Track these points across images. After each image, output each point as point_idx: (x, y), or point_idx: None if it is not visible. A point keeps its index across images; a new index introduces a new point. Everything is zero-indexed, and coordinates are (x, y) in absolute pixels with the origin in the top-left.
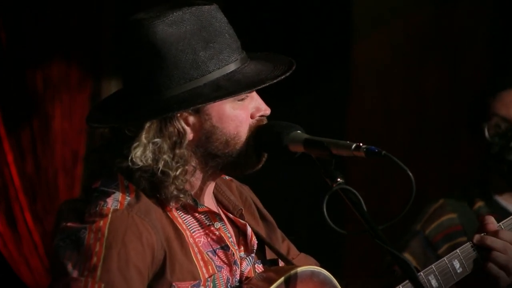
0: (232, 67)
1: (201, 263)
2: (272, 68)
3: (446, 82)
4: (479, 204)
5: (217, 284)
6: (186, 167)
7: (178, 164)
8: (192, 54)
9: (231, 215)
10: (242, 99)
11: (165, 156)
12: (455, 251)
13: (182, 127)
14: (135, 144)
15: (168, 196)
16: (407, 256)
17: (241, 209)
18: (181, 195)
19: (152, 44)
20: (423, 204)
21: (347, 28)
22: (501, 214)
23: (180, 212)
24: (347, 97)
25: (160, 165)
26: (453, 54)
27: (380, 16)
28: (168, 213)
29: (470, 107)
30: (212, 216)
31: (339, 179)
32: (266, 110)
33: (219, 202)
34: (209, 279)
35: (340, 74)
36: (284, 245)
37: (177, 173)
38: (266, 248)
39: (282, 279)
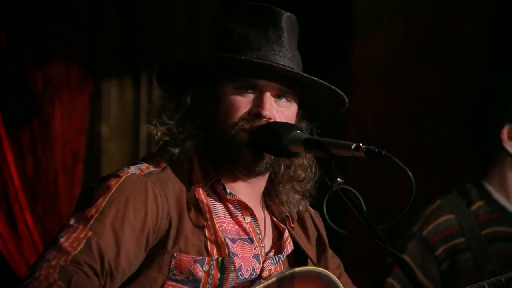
0: (249, 54)
1: (214, 244)
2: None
3: (446, 82)
4: (479, 203)
5: (225, 268)
6: (175, 129)
7: (168, 122)
8: (227, 39)
9: (275, 219)
10: (243, 90)
11: (161, 113)
12: (482, 282)
13: (184, 99)
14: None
15: (161, 150)
16: (404, 257)
17: (286, 215)
18: (175, 150)
19: (217, 28)
20: (423, 204)
21: (347, 28)
22: (501, 213)
23: (211, 195)
24: (347, 97)
25: (157, 119)
26: (453, 54)
27: (380, 16)
28: (196, 193)
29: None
30: (244, 209)
31: (339, 179)
32: (265, 111)
33: (268, 207)
34: (214, 259)
35: (340, 74)
36: (336, 272)
37: (164, 127)
38: (309, 261)
39: (286, 273)
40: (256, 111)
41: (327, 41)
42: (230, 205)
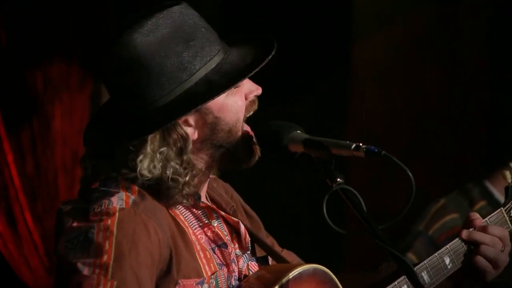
0: (216, 59)
1: (204, 260)
2: (254, 50)
3: (446, 82)
4: (481, 203)
5: (219, 282)
6: (194, 171)
7: (187, 170)
8: (176, 57)
9: (223, 213)
10: (237, 86)
11: (173, 163)
12: (445, 246)
13: (185, 132)
14: (140, 157)
15: (172, 202)
16: (411, 256)
17: (233, 205)
18: (184, 201)
19: (135, 58)
20: (423, 204)
21: (347, 28)
22: None
23: (181, 208)
24: (347, 97)
25: (169, 173)
26: (453, 54)
27: (381, 16)
28: (169, 210)
29: None
30: (210, 213)
31: (339, 179)
32: (258, 90)
33: (212, 199)
34: (212, 276)
35: (340, 74)
36: (269, 241)
37: (187, 179)
38: (255, 245)
39: (285, 278)
40: (255, 94)
41: (327, 41)
42: (196, 211)
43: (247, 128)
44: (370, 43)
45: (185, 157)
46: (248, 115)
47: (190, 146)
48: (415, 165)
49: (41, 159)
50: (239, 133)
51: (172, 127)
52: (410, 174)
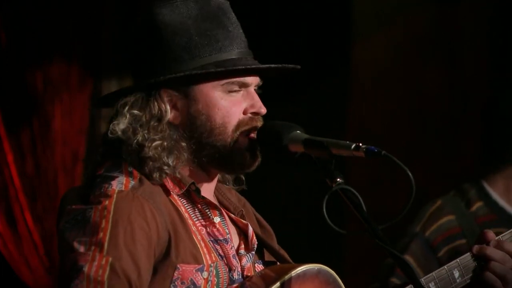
0: (225, 56)
1: (205, 249)
2: (268, 65)
3: (446, 82)
4: (478, 204)
5: (219, 272)
6: (165, 142)
7: (155, 137)
8: (187, 38)
9: (232, 215)
10: (234, 91)
11: (142, 129)
12: (455, 260)
13: (164, 108)
14: (118, 117)
15: (150, 169)
16: (407, 258)
17: (241, 210)
18: (165, 167)
19: (152, 26)
20: (423, 204)
21: (347, 28)
22: (499, 214)
23: (184, 200)
24: (347, 97)
25: (138, 137)
26: (453, 54)
27: (381, 16)
28: (172, 200)
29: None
30: (213, 209)
31: (339, 179)
32: (261, 109)
33: (220, 203)
34: (212, 265)
35: (340, 74)
36: (281, 253)
37: (153, 144)
38: (265, 250)
39: (288, 275)
40: (256, 111)
41: (327, 41)
42: (200, 206)
43: (243, 140)
44: (370, 43)
45: (154, 124)
46: (246, 129)
47: (165, 119)
48: (415, 165)
49: (41, 159)
50: (222, 137)
51: (153, 99)
52: (410, 174)
